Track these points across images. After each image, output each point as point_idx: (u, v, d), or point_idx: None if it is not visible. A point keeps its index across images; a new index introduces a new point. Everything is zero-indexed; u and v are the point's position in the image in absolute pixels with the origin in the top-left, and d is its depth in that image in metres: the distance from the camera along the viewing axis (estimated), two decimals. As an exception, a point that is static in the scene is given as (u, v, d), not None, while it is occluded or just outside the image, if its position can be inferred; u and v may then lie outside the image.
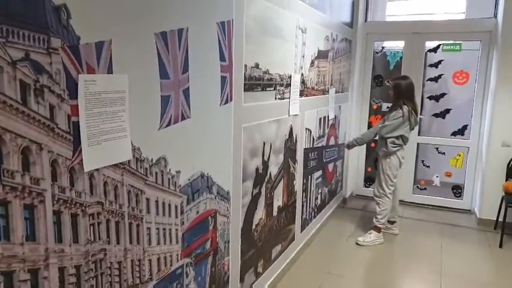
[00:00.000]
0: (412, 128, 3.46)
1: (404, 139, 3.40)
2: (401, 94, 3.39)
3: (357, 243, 3.48)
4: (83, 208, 1.18)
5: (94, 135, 1.18)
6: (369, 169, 4.84)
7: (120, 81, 1.27)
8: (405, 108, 3.33)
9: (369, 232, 3.54)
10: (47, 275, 1.07)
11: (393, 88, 3.47)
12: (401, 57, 4.59)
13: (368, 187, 4.83)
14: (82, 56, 1.14)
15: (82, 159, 1.15)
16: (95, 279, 1.24)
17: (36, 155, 1.04)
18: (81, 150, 1.15)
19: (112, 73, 1.24)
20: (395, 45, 4.83)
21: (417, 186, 4.69)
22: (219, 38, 1.79)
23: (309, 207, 3.40)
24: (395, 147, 3.39)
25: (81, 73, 1.14)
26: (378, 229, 3.53)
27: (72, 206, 1.15)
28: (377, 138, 3.57)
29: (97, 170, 1.21)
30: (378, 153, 3.54)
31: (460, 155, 4.55)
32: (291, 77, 2.63)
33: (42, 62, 1.04)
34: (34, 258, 1.04)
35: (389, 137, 3.36)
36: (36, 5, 1.01)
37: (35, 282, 1.04)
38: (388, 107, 4.68)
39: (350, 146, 3.75)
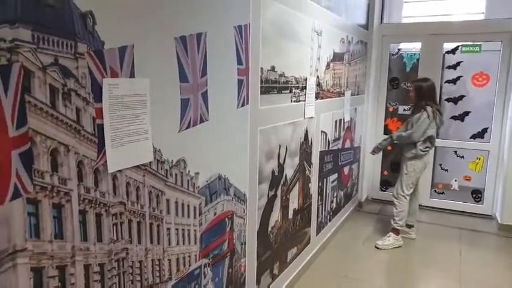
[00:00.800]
0: (438, 128, 3.44)
1: (432, 140, 3.39)
2: (423, 96, 3.38)
3: (376, 247, 3.45)
4: (107, 208, 1.22)
5: (117, 137, 1.22)
6: (385, 172, 4.79)
7: (142, 85, 1.30)
8: (429, 109, 3.31)
9: (388, 235, 3.52)
10: (73, 272, 1.11)
11: (415, 90, 3.45)
12: (418, 59, 4.54)
13: (384, 191, 4.78)
14: (106, 60, 1.18)
15: (106, 161, 1.19)
16: (117, 277, 1.28)
17: (64, 156, 1.08)
18: (105, 151, 1.19)
19: (134, 77, 1.28)
20: (412, 47, 4.78)
21: (435, 190, 4.61)
22: (236, 42, 1.82)
23: (325, 210, 3.39)
24: (425, 149, 3.37)
25: (105, 77, 1.18)
26: (396, 231, 3.50)
27: (97, 205, 1.19)
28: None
29: (120, 171, 1.25)
30: (403, 154, 3.51)
31: (479, 159, 4.46)
32: (306, 79, 2.65)
33: (69, 67, 1.08)
34: (62, 255, 1.08)
35: (420, 140, 3.34)
36: (64, 13, 1.05)
37: (63, 278, 1.08)
38: (404, 109, 4.66)
39: (376, 151, 3.76)
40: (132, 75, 1.27)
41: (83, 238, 1.15)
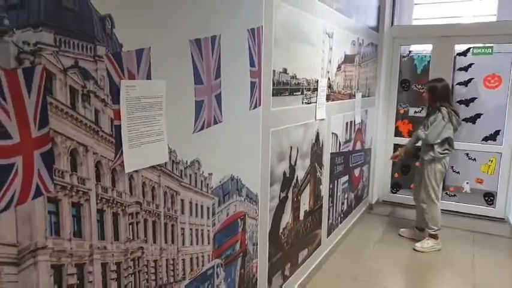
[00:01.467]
0: (455, 129, 3.37)
1: (450, 142, 3.33)
2: (438, 97, 3.34)
3: (414, 249, 3.43)
4: (123, 208, 1.24)
5: (134, 138, 1.24)
6: (396, 175, 4.76)
7: (158, 87, 1.33)
8: (444, 110, 3.27)
9: (427, 239, 3.49)
10: (91, 270, 1.13)
11: (428, 91, 3.41)
12: (428, 61, 4.51)
13: (395, 193, 4.75)
14: (124, 62, 1.20)
15: (123, 161, 1.21)
16: (133, 276, 1.29)
17: (83, 157, 1.10)
18: (122, 152, 1.21)
19: (151, 79, 1.30)
20: (422, 49, 4.76)
21: (446, 193, 4.57)
22: (249, 44, 1.84)
23: (335, 212, 3.38)
24: (444, 152, 3.32)
25: (123, 79, 1.20)
26: (434, 236, 3.47)
27: (114, 205, 1.21)
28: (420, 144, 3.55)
29: (136, 171, 1.27)
30: (422, 157, 3.47)
31: (492, 161, 4.41)
32: (317, 81, 2.65)
33: (89, 69, 1.10)
34: (80, 253, 1.10)
35: (437, 142, 3.29)
36: (84, 16, 1.08)
37: (81, 276, 1.11)
38: (415, 111, 4.64)
39: (397, 157, 3.78)
40: (148, 77, 1.29)
41: (101, 237, 1.17)
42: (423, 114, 4.44)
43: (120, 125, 1.20)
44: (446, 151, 3.34)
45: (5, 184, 0.90)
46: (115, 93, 1.18)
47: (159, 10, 1.31)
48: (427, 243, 3.46)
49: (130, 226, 1.27)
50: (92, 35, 1.10)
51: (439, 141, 3.28)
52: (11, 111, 0.92)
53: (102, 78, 1.14)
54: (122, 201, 1.24)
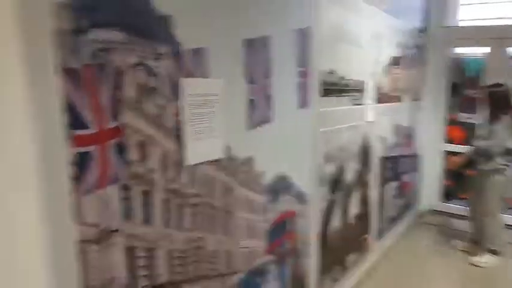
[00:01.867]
0: None
1: None
2: (499, 103, 3.12)
3: (470, 263, 3.22)
4: (185, 199, 1.30)
5: (194, 133, 1.31)
6: (448, 183, 4.53)
7: (215, 85, 1.39)
8: (506, 118, 3.05)
9: (486, 253, 3.26)
10: (158, 255, 1.19)
11: (489, 97, 3.19)
12: (480, 65, 4.30)
13: (446, 202, 4.51)
14: (184, 61, 1.27)
15: (185, 155, 1.28)
16: (194, 264, 1.34)
17: (150, 149, 1.18)
18: (184, 146, 1.28)
19: (208, 77, 1.36)
20: (472, 51, 4.56)
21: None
22: (297, 45, 1.87)
23: (384, 219, 3.28)
24: (506, 164, 3.10)
25: (183, 77, 1.27)
26: (492, 251, 3.25)
27: (177, 196, 1.27)
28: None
29: (196, 165, 1.33)
30: (481, 168, 3.21)
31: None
32: (365, 83, 2.63)
33: (153, 67, 1.18)
34: (149, 238, 1.17)
35: (499, 153, 3.08)
36: (149, 17, 1.16)
37: (149, 260, 1.17)
38: (467, 118, 4.42)
39: (458, 166, 3.62)
40: (206, 76, 1.36)
41: (166, 225, 1.23)
42: (475, 120, 4.22)
43: (181, 121, 1.27)
44: (508, 162, 3.10)
45: (88, 169, 0.99)
46: (176, 90, 1.25)
47: (215, 11, 1.38)
48: (486, 258, 3.21)
49: (192, 217, 1.33)
50: (156, 35, 1.18)
51: (502, 151, 3.07)
52: (89, 104, 1.01)
53: (164, 76, 1.22)
54: (184, 193, 1.30)
